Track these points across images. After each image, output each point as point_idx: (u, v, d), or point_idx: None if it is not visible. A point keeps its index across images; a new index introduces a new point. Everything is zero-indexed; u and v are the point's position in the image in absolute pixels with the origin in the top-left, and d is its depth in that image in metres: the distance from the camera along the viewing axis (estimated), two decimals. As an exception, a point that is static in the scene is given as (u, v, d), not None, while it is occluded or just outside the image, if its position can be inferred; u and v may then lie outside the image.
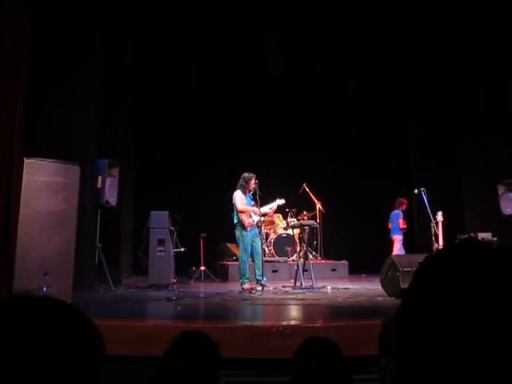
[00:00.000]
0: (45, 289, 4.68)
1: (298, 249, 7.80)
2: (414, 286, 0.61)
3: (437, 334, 0.55)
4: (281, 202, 7.45)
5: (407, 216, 8.37)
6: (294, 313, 5.05)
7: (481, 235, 6.54)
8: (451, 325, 0.54)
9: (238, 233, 6.63)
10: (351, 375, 1.83)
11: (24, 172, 5.00)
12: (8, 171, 5.00)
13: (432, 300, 0.57)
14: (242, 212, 6.60)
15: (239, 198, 6.65)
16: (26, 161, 5.02)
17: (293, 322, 4.18)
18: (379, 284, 5.83)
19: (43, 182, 5.11)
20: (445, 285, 0.57)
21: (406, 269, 5.24)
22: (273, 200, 7.52)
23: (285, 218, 8.89)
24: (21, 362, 0.59)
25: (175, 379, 1.76)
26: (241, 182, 6.73)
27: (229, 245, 8.80)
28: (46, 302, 0.68)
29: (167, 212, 7.16)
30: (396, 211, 8.12)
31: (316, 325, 4.02)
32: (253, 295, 6.10)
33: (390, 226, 8.20)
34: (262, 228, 7.61)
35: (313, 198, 8.86)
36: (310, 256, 7.71)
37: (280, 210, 8.76)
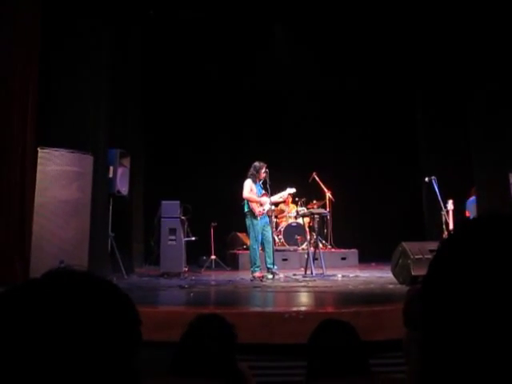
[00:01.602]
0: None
1: (308, 237, 7.82)
2: (439, 256, 0.61)
3: (463, 305, 0.55)
4: (292, 190, 7.47)
5: (418, 205, 8.33)
6: (305, 299, 5.10)
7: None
8: (477, 297, 0.54)
9: (248, 221, 6.67)
10: (368, 357, 1.86)
11: (38, 162, 5.06)
12: (22, 161, 5.07)
13: (458, 271, 0.57)
14: (250, 201, 6.63)
15: (247, 187, 6.68)
16: (40, 151, 5.09)
17: (305, 308, 4.23)
18: (389, 272, 5.85)
19: (57, 171, 5.17)
20: (472, 256, 0.57)
21: (417, 256, 5.25)
22: (283, 189, 7.55)
23: (295, 206, 8.92)
24: (62, 336, 0.59)
25: (193, 361, 1.80)
26: (251, 170, 6.76)
27: (239, 234, 8.86)
28: (89, 277, 0.70)
29: (178, 201, 7.22)
30: (471, 198, 7.78)
31: (328, 310, 4.06)
32: (264, 283, 6.15)
33: (467, 214, 7.86)
34: (273, 217, 7.63)
35: (323, 187, 8.87)
36: (320, 245, 7.74)
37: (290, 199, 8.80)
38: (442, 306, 0.57)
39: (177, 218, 7.15)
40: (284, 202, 8.53)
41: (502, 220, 0.60)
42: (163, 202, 7.18)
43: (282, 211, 9.02)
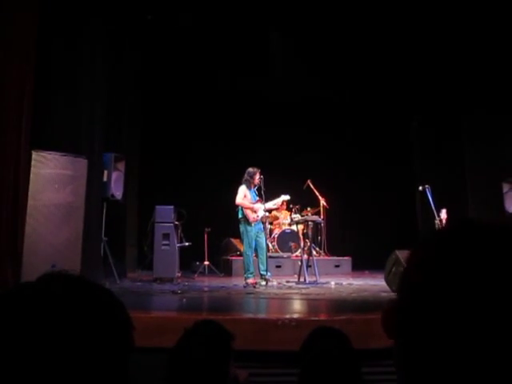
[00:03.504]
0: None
1: (302, 244, 7.83)
2: (411, 266, 0.62)
3: (436, 313, 0.56)
4: (286, 197, 7.48)
5: (412, 213, 8.36)
6: (298, 306, 5.09)
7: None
8: (450, 305, 0.55)
9: (242, 228, 6.66)
10: (360, 365, 1.85)
11: (32, 164, 5.04)
12: (15, 164, 5.04)
13: (431, 279, 0.57)
14: (243, 207, 6.63)
15: (241, 193, 6.69)
16: (34, 153, 5.07)
17: (298, 316, 4.22)
18: (383, 280, 5.85)
19: (51, 174, 5.15)
20: (444, 264, 0.57)
21: (410, 265, 5.25)
22: (277, 196, 7.55)
23: (289, 213, 8.93)
24: (55, 341, 0.59)
25: (187, 368, 1.79)
26: (246, 176, 6.76)
27: (233, 240, 8.84)
28: (83, 282, 0.70)
29: (172, 206, 7.20)
30: None
31: (321, 318, 4.06)
32: (257, 289, 6.14)
33: None
34: (267, 224, 7.64)
35: (317, 194, 8.89)
36: (314, 252, 7.74)
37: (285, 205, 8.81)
38: (417, 316, 0.57)
39: (171, 223, 7.13)
40: (277, 208, 8.54)
41: (475, 228, 0.61)
42: (157, 206, 7.16)
43: (276, 218, 9.03)
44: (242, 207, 6.66)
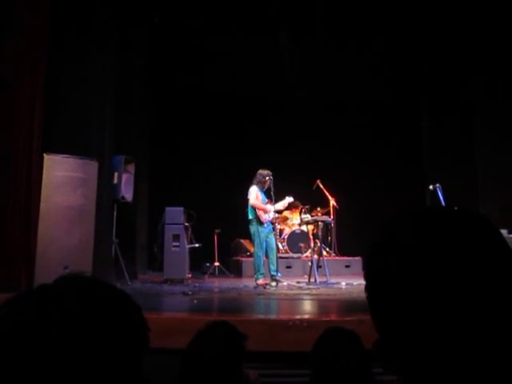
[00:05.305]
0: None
1: (312, 245, 7.81)
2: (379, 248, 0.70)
3: (404, 290, 0.63)
4: (290, 199, 7.43)
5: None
6: (309, 307, 5.08)
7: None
8: (415, 285, 0.62)
9: (253, 228, 6.66)
10: (371, 366, 1.85)
11: (44, 167, 5.09)
12: (28, 167, 5.11)
13: (398, 263, 0.65)
14: (257, 208, 6.64)
15: (254, 194, 6.69)
16: (46, 156, 5.12)
17: (309, 316, 4.21)
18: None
19: (62, 177, 5.21)
20: (410, 245, 0.65)
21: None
22: (282, 198, 7.53)
23: (299, 214, 8.92)
24: (73, 341, 0.60)
25: (201, 368, 1.79)
26: (258, 177, 6.76)
27: (242, 241, 8.86)
28: (99, 284, 0.71)
29: (182, 208, 7.23)
30: None
31: (332, 318, 4.05)
32: (267, 290, 6.14)
33: None
34: (277, 224, 7.63)
35: (327, 194, 8.86)
36: (324, 252, 7.72)
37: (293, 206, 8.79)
38: (385, 291, 0.66)
39: (181, 224, 7.16)
40: (290, 209, 8.53)
41: (437, 213, 0.68)
42: (167, 208, 7.20)
43: (286, 218, 9.02)
44: (253, 208, 6.67)
